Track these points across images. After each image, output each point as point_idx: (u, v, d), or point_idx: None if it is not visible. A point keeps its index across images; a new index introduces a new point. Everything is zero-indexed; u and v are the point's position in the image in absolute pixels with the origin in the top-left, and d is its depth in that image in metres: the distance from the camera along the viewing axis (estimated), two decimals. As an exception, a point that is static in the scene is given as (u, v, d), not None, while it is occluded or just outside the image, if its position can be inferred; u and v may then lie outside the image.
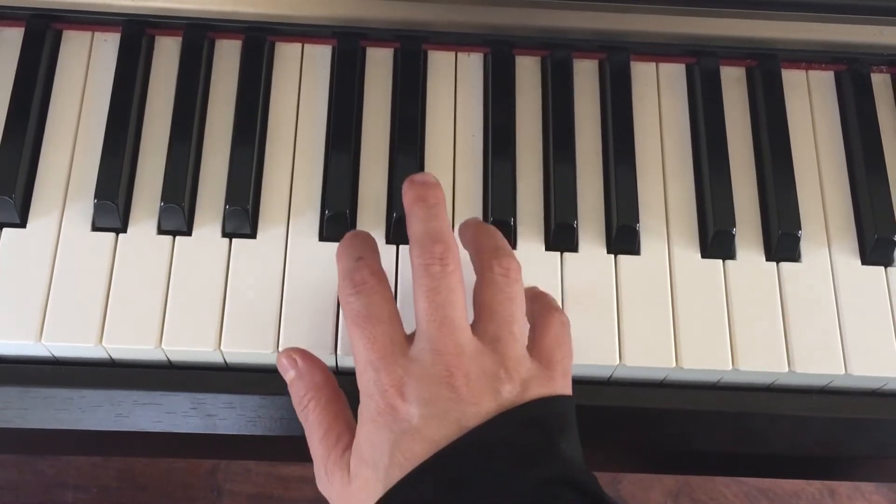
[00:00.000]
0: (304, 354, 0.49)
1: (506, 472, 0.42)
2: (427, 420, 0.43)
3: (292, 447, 0.57)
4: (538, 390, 0.45)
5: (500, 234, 0.50)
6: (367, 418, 0.44)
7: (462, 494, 0.42)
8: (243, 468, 1.12)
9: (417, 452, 0.42)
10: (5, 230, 0.54)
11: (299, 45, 0.60)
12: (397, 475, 0.42)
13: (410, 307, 0.46)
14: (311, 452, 0.47)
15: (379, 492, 0.43)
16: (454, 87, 0.59)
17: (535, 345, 0.47)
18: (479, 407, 0.43)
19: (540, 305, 0.50)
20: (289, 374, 0.49)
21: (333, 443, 0.46)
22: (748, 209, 0.57)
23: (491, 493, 0.42)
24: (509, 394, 0.44)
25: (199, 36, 0.58)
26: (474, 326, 0.46)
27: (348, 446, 0.46)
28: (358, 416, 0.46)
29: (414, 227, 0.47)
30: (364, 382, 0.45)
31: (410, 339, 0.46)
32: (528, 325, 0.49)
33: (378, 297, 0.46)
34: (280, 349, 0.51)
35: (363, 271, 0.46)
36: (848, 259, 0.56)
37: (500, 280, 0.46)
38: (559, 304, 0.50)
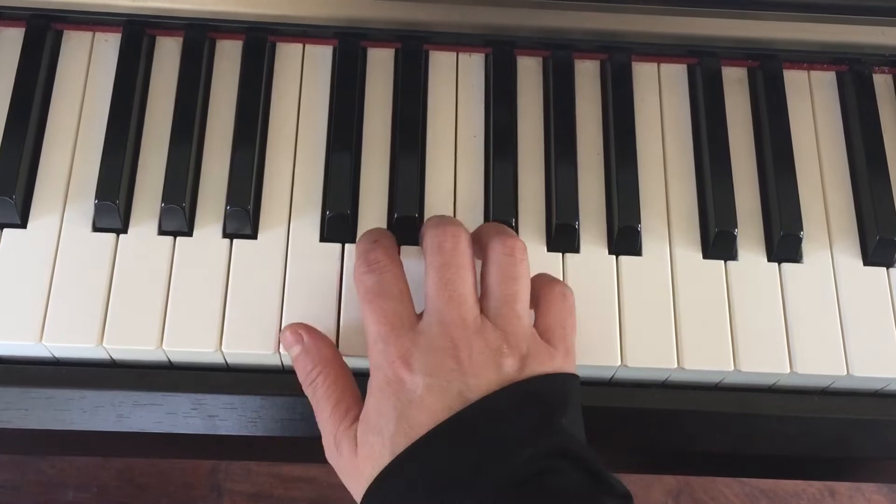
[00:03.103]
0: (310, 329, 0.50)
1: (505, 444, 0.43)
2: (431, 390, 0.44)
3: (293, 448, 0.57)
4: (539, 367, 0.46)
5: (504, 225, 0.52)
6: (376, 387, 0.46)
7: (463, 463, 0.43)
8: (244, 468, 1.12)
9: (423, 421, 0.44)
10: (6, 231, 0.53)
11: (300, 45, 0.59)
12: (403, 443, 0.44)
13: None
14: (320, 425, 0.48)
15: (385, 459, 0.44)
16: (455, 88, 0.59)
17: (538, 323, 0.49)
18: (480, 379, 0.44)
19: (541, 281, 0.51)
20: (294, 350, 0.50)
21: (343, 415, 0.47)
22: (750, 210, 0.57)
23: (491, 463, 0.43)
24: (510, 368, 0.45)
25: (199, 36, 0.58)
26: (480, 305, 0.47)
27: (356, 419, 0.47)
28: (367, 388, 0.47)
29: (429, 224, 0.49)
30: (373, 355, 0.47)
31: (421, 318, 0.47)
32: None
33: (390, 275, 0.48)
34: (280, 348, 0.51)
35: (377, 251, 0.49)
36: (850, 260, 0.56)
37: (503, 259, 0.48)
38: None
